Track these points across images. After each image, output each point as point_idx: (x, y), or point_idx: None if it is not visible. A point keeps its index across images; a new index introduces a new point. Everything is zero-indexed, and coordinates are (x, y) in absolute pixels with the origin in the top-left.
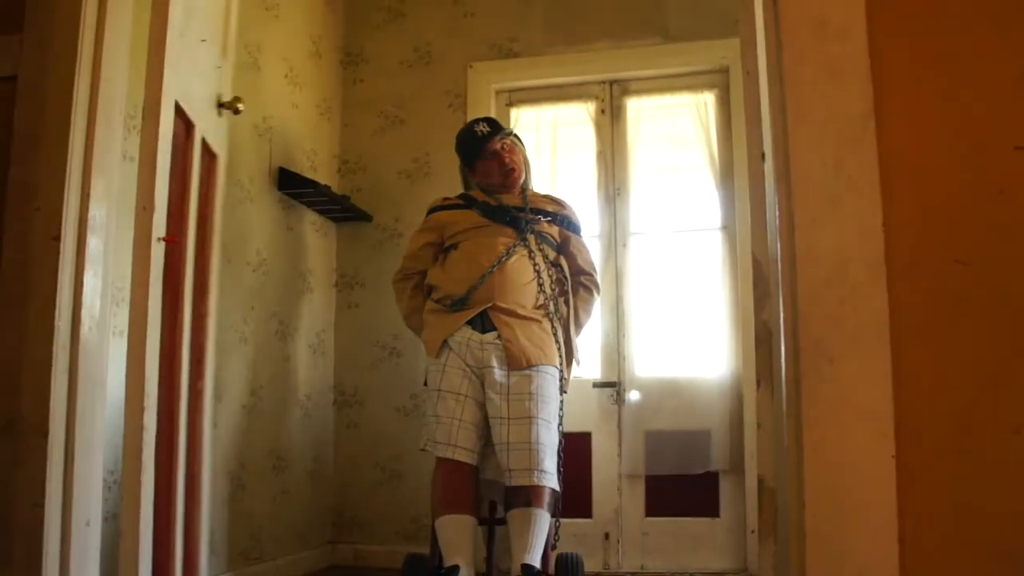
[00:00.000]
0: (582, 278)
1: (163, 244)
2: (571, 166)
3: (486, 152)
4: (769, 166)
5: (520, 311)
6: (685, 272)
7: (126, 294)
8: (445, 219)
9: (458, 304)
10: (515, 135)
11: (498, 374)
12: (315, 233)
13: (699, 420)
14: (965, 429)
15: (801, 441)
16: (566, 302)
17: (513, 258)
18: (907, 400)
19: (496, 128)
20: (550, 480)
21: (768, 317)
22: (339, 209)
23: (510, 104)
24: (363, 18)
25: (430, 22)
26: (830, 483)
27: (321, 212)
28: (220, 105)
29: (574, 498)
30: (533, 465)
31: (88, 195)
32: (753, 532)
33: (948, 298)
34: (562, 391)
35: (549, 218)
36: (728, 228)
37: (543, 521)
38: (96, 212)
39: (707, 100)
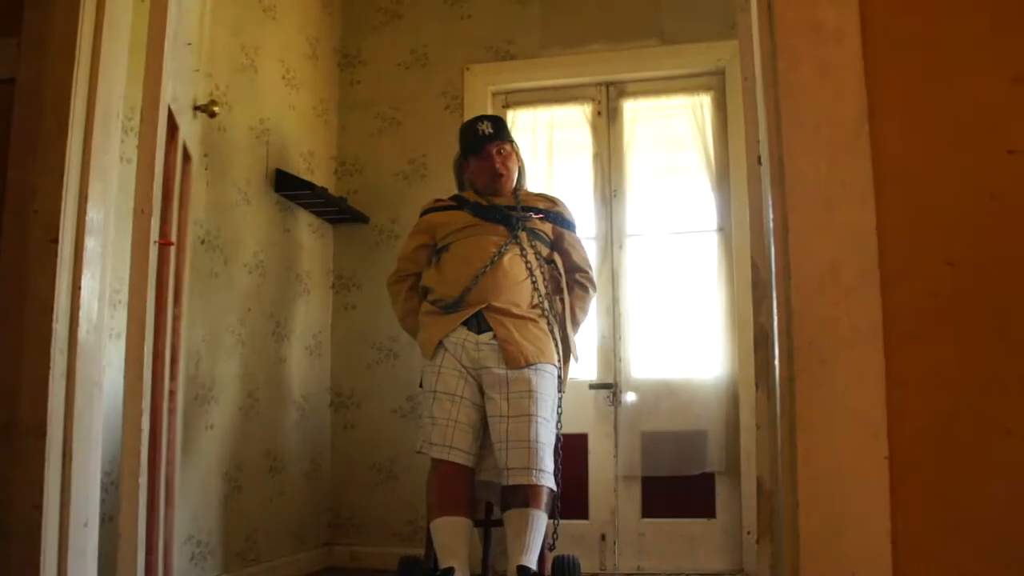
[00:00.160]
0: (577, 275)
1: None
2: (567, 168)
3: (482, 152)
4: (765, 169)
5: (515, 310)
6: (681, 274)
7: (122, 296)
8: (437, 220)
9: (453, 306)
10: (515, 143)
11: (496, 372)
12: (312, 235)
13: (695, 421)
14: (957, 430)
15: (795, 442)
16: (561, 300)
17: (506, 257)
18: (900, 402)
19: (498, 132)
20: (548, 480)
21: (765, 320)
22: (336, 211)
23: (507, 106)
24: (360, 20)
25: (427, 24)
26: (823, 484)
27: (318, 214)
28: (196, 108)
29: (570, 499)
30: (532, 464)
31: (86, 198)
32: (749, 533)
33: (941, 301)
34: (560, 390)
35: (541, 215)
36: (724, 230)
37: (540, 522)
38: (94, 215)
39: (703, 102)
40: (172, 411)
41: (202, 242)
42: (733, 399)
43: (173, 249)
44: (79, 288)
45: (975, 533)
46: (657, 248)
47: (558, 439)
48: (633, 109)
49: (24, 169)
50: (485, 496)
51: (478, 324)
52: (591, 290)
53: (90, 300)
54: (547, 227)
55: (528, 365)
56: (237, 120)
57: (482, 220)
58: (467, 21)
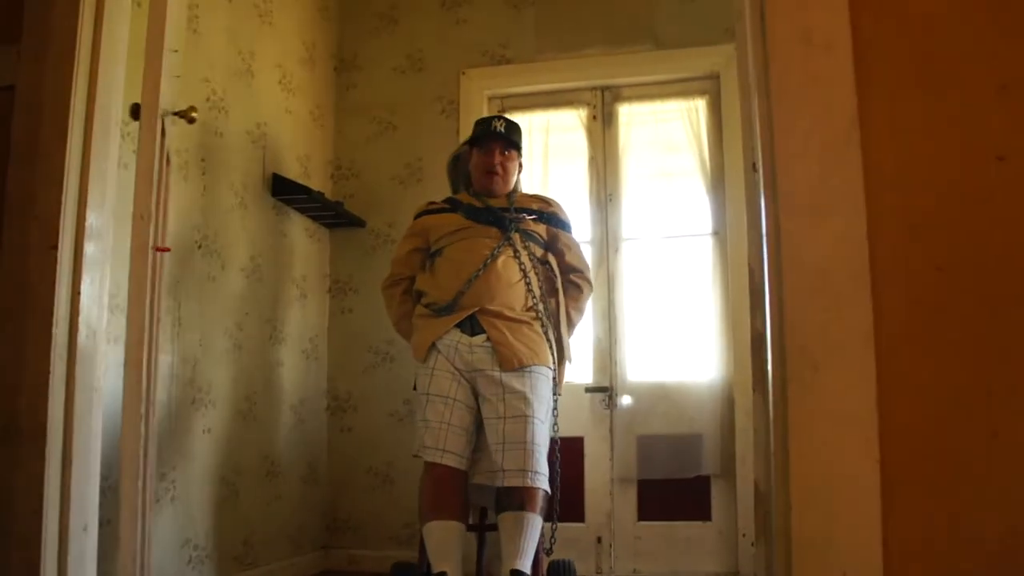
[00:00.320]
0: (572, 276)
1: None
2: (563, 172)
3: (486, 147)
4: (758, 175)
5: (508, 313)
6: (676, 278)
7: (118, 301)
8: (430, 224)
9: (446, 309)
10: (520, 153)
11: (491, 374)
12: (309, 239)
13: (690, 424)
14: (946, 433)
15: (787, 446)
16: (556, 301)
17: (499, 259)
18: (890, 405)
19: (509, 135)
20: (543, 482)
21: (759, 324)
22: (332, 215)
23: (502, 110)
24: (356, 25)
25: (423, 29)
26: (816, 487)
27: (314, 218)
28: (175, 113)
29: (567, 502)
30: (527, 466)
31: (85, 204)
32: (744, 535)
33: (931, 306)
34: (556, 392)
35: (534, 216)
36: (719, 234)
37: (535, 525)
38: (93, 220)
39: (698, 106)
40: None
41: (199, 246)
42: (728, 402)
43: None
44: (78, 293)
45: (964, 534)
46: (653, 252)
47: (555, 442)
48: (628, 113)
49: (24, 175)
50: (479, 501)
51: (471, 326)
52: (586, 290)
53: (89, 305)
54: (541, 228)
55: (522, 367)
56: (234, 125)
57: (475, 222)
58: (463, 26)
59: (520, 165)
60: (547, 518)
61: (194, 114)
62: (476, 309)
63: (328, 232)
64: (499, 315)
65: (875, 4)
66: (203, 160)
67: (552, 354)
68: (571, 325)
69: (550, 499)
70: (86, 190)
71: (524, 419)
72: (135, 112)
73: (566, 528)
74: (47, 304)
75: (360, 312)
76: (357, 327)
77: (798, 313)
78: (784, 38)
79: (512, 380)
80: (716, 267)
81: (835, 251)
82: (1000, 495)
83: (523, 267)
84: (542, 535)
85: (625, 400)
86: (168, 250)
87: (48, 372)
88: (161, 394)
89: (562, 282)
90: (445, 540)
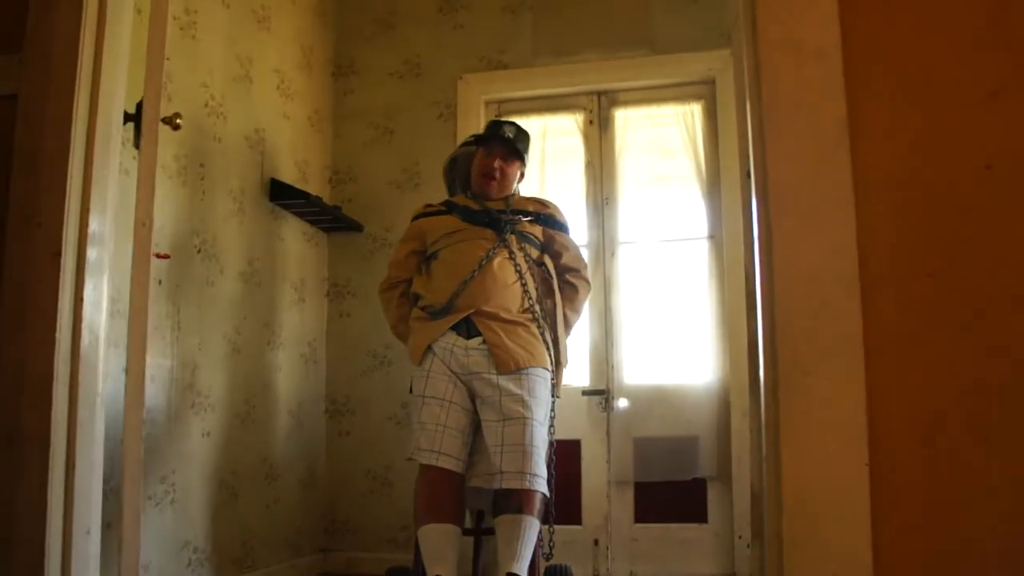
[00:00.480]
0: (568, 276)
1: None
2: (560, 176)
3: (490, 149)
4: (751, 182)
5: (504, 315)
6: (673, 281)
7: (119, 306)
8: (426, 226)
9: (441, 312)
10: (524, 164)
11: (488, 377)
12: (307, 243)
13: (687, 427)
14: (936, 437)
15: (779, 449)
16: (553, 302)
17: (495, 261)
18: (880, 410)
19: (515, 142)
20: (541, 485)
21: (755, 328)
22: (330, 219)
23: (499, 115)
24: (354, 30)
25: (420, 34)
26: (807, 490)
27: (312, 222)
28: (161, 120)
29: (564, 505)
30: (526, 468)
31: (87, 211)
32: (740, 537)
33: (920, 311)
34: (554, 394)
35: (530, 217)
36: (715, 237)
37: (533, 529)
38: (95, 227)
39: (694, 111)
40: None
41: (198, 251)
42: (724, 405)
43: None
44: (81, 300)
45: (954, 536)
46: (649, 256)
47: (551, 445)
48: (624, 118)
49: (27, 184)
50: (476, 504)
51: (467, 329)
52: (583, 290)
53: (92, 312)
54: (537, 230)
55: (519, 370)
56: (232, 130)
57: (471, 224)
58: (460, 31)
59: (522, 174)
60: (544, 521)
61: (179, 120)
62: (472, 311)
63: (326, 236)
64: (495, 317)
65: (865, 13)
66: (202, 165)
67: (549, 356)
68: (568, 326)
69: (547, 502)
70: (88, 197)
71: (522, 421)
72: (125, 117)
73: (564, 530)
74: (51, 310)
75: (358, 316)
76: (355, 331)
77: (789, 318)
78: (775, 46)
79: (509, 383)
80: (712, 271)
81: (825, 257)
82: (989, 497)
83: (519, 269)
84: (540, 539)
85: (622, 403)
86: (168, 257)
87: (52, 377)
88: (161, 398)
89: (559, 283)
90: (440, 543)
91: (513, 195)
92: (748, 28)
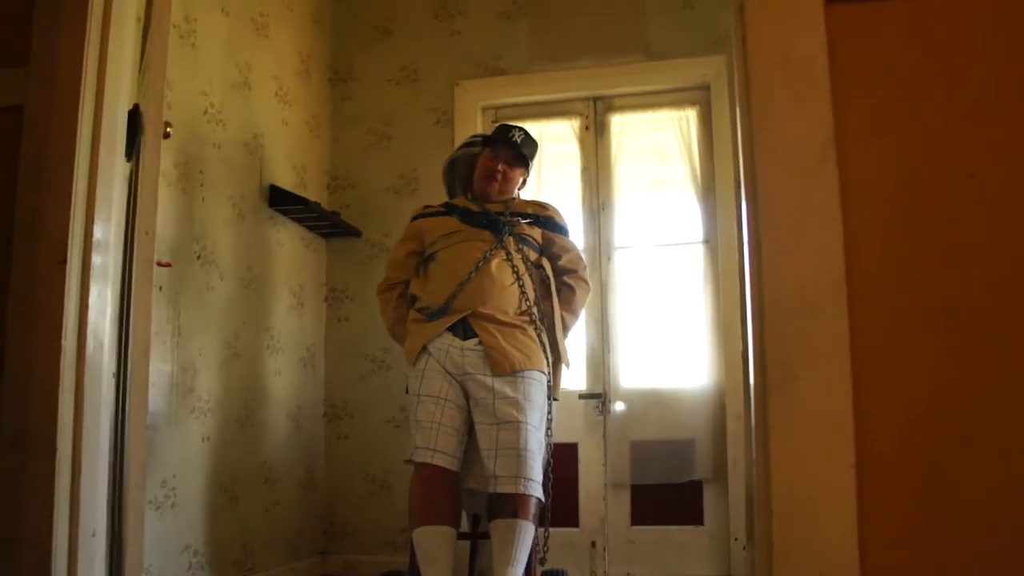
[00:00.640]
0: (566, 278)
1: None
2: (556, 181)
3: (496, 152)
4: (742, 190)
5: (501, 316)
6: (668, 285)
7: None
8: (424, 226)
9: (438, 313)
10: (528, 172)
11: (482, 379)
12: (305, 249)
13: (683, 430)
14: (921, 439)
15: (768, 451)
16: (551, 304)
17: (492, 263)
18: (866, 413)
19: (522, 149)
20: (536, 489)
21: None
22: (328, 225)
23: (496, 121)
24: (351, 37)
25: (417, 41)
26: (795, 491)
27: (311, 228)
28: None
29: (561, 507)
30: (520, 473)
31: (92, 219)
32: (736, 539)
33: (906, 317)
34: (553, 397)
35: (529, 220)
36: (710, 242)
37: (528, 533)
38: (100, 235)
39: (689, 116)
40: None
41: (197, 257)
42: (720, 408)
43: None
44: (87, 307)
45: (939, 536)
46: (645, 260)
47: (549, 448)
48: (620, 123)
49: (33, 193)
50: (473, 507)
51: (464, 330)
52: (580, 291)
53: (96, 318)
54: (536, 232)
55: (514, 372)
56: (231, 137)
57: (469, 225)
58: (457, 37)
59: (524, 180)
60: (540, 524)
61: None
62: (468, 313)
63: (324, 242)
64: (492, 319)
65: (851, 29)
66: (201, 172)
67: (547, 358)
68: (566, 328)
69: (542, 506)
70: (93, 206)
71: (516, 425)
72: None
73: (561, 533)
74: (56, 317)
75: (356, 320)
76: (353, 335)
77: (778, 324)
78: (764, 59)
79: (504, 385)
80: (707, 275)
81: (813, 264)
82: (974, 498)
83: (516, 270)
84: (535, 543)
85: (618, 406)
86: (169, 265)
87: (58, 382)
88: (161, 403)
89: (557, 285)
90: (435, 546)
91: (513, 198)
92: (739, 43)
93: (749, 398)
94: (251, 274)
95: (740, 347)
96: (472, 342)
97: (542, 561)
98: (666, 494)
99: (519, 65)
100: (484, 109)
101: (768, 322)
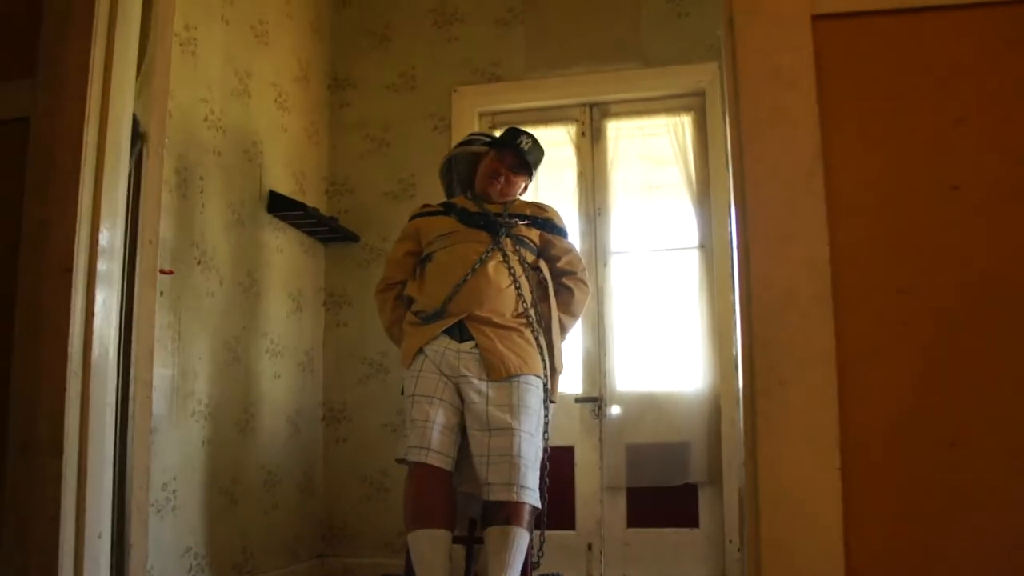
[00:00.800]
0: (565, 279)
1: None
2: (553, 187)
3: (502, 155)
4: (732, 200)
5: (497, 319)
6: (664, 289)
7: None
8: (422, 226)
9: (434, 316)
10: (530, 180)
11: (476, 383)
12: (304, 254)
13: (678, 433)
14: (905, 444)
15: (756, 455)
16: (548, 307)
17: (489, 265)
18: (851, 418)
19: (528, 156)
20: (530, 496)
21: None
22: (327, 230)
23: (493, 127)
24: (350, 44)
25: (415, 47)
26: (782, 494)
27: (310, 233)
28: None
29: (557, 510)
30: (513, 480)
31: (97, 228)
32: (731, 542)
33: (890, 325)
34: (550, 400)
35: (527, 221)
36: (705, 247)
37: (521, 540)
38: (105, 243)
39: (684, 122)
40: None
41: (198, 263)
42: (715, 411)
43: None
44: (92, 315)
45: (922, 537)
46: (641, 265)
47: (546, 451)
48: (616, 129)
49: (40, 203)
50: (469, 510)
51: (460, 333)
52: (579, 292)
53: (102, 325)
54: (534, 234)
55: (509, 377)
56: (231, 143)
57: (466, 226)
58: (454, 44)
59: (526, 186)
60: (537, 526)
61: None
62: (464, 316)
63: (323, 247)
64: (488, 322)
65: (837, 44)
66: (201, 178)
67: (544, 361)
68: (563, 330)
69: (537, 512)
70: (99, 214)
71: (510, 431)
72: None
73: (558, 535)
74: (63, 324)
75: (354, 325)
76: (352, 340)
77: (766, 331)
78: (753, 74)
79: (498, 391)
80: (702, 280)
81: (800, 274)
82: (957, 501)
83: (513, 272)
84: (530, 547)
85: (614, 410)
86: (171, 272)
87: (64, 388)
88: (162, 407)
89: (555, 287)
90: (431, 551)
91: (513, 200)
92: (728, 55)
93: (739, 400)
94: (250, 279)
95: (734, 352)
96: (468, 345)
97: (535, 565)
98: (662, 497)
99: (516, 71)
100: (481, 115)
101: (756, 329)
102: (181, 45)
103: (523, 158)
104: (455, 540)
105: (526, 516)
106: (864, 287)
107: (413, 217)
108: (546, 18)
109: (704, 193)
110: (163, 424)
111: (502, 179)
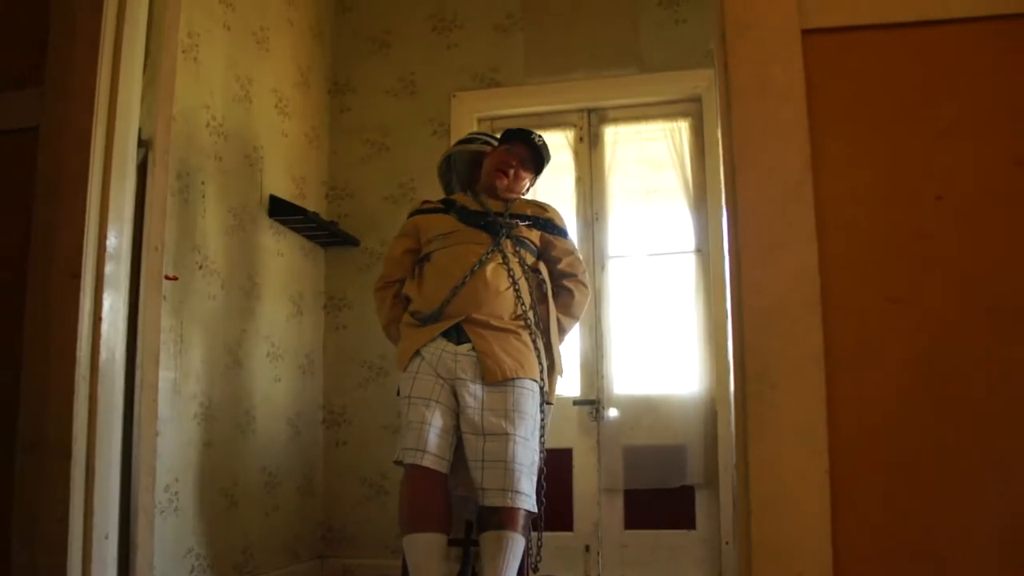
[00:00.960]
0: (565, 281)
1: None
2: (551, 191)
3: (512, 149)
4: (724, 208)
5: (495, 322)
6: (661, 293)
7: None
8: (421, 223)
9: (431, 318)
10: (535, 179)
11: (472, 387)
12: (304, 258)
13: (675, 436)
14: (892, 446)
15: (747, 457)
16: (547, 309)
17: (488, 266)
18: (840, 422)
19: (538, 155)
20: (525, 502)
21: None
22: (327, 234)
23: (492, 131)
24: (350, 49)
25: (414, 53)
26: (772, 495)
27: (310, 237)
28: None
29: (555, 512)
30: (508, 485)
31: (105, 234)
32: (727, 543)
33: (878, 331)
34: (547, 403)
35: (528, 222)
36: (702, 251)
37: (517, 545)
38: (112, 249)
39: (681, 127)
40: None
41: (199, 267)
42: (711, 414)
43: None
44: (100, 319)
45: (908, 538)
46: (638, 269)
47: (542, 455)
48: (614, 134)
49: (48, 209)
50: (463, 514)
51: (457, 335)
52: (578, 293)
53: (109, 329)
54: (534, 235)
55: (506, 380)
56: (232, 148)
57: (466, 225)
58: (453, 50)
59: (528, 188)
60: (534, 529)
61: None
62: (462, 318)
63: (323, 251)
64: (486, 324)
65: (826, 59)
66: (203, 183)
67: (541, 364)
68: (562, 332)
69: (533, 517)
70: (106, 220)
71: (505, 437)
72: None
73: (555, 537)
74: (71, 328)
75: (354, 328)
76: (351, 343)
77: (757, 337)
78: (744, 88)
79: (493, 396)
80: (699, 283)
81: (789, 282)
82: (942, 502)
83: (512, 274)
84: (527, 550)
85: (612, 412)
86: (176, 278)
87: (72, 391)
88: (165, 409)
89: (555, 288)
90: (427, 555)
91: (515, 199)
92: (720, 67)
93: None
94: (251, 283)
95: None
96: (465, 347)
97: (534, 568)
98: (659, 499)
99: (515, 77)
100: (480, 120)
101: (748, 335)
102: (183, 52)
103: (536, 151)
104: (451, 543)
105: (521, 521)
106: (852, 294)
107: (413, 214)
108: (545, 24)
109: (701, 198)
110: (165, 426)
111: (511, 172)
